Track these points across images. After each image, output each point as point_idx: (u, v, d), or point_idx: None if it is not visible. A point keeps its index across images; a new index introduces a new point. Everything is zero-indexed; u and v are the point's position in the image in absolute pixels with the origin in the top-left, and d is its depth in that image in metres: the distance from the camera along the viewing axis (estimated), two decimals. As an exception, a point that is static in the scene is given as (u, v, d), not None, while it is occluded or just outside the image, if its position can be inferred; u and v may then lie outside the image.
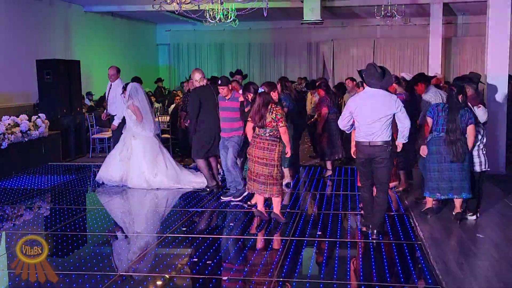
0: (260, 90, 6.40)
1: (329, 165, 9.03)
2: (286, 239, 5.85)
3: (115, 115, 9.37)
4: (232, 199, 7.35)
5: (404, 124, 5.69)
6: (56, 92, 11.06)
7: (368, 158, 5.72)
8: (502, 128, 8.89)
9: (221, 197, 7.51)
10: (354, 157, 5.99)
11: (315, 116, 9.49)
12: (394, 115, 5.64)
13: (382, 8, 13.61)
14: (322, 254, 5.43)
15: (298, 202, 7.45)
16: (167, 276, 4.95)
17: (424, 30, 17.35)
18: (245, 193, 7.32)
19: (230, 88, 7.34)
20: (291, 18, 17.54)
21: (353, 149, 5.98)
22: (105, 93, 10.05)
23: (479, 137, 6.34)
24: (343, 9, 16.61)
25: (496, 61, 8.77)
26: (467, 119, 6.06)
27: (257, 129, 6.27)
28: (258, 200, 6.47)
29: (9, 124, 9.42)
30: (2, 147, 9.14)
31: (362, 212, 6.35)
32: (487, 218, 6.46)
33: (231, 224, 6.50)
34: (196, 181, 8.33)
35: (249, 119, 6.38)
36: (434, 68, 15.56)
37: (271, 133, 6.18)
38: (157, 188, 8.14)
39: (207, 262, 5.22)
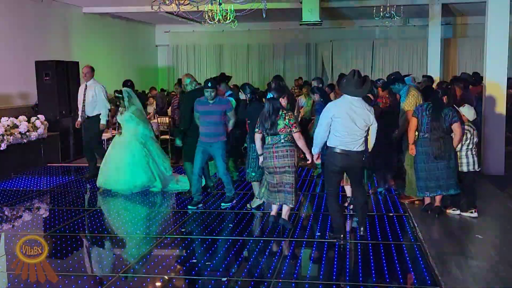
0: (270, 95, 6.15)
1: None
2: (285, 240, 5.85)
3: (97, 114, 9.09)
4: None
5: (374, 135, 5.69)
6: (55, 93, 11.06)
7: (344, 167, 5.65)
8: (501, 129, 8.88)
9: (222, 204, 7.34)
10: (316, 162, 5.96)
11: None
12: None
13: (381, 9, 13.61)
14: (321, 255, 5.43)
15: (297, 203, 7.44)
16: (166, 277, 4.96)
17: (423, 31, 17.36)
18: (234, 201, 7.30)
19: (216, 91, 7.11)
20: (290, 19, 17.53)
21: (316, 155, 5.86)
22: (78, 98, 9.33)
23: (469, 135, 6.43)
24: (342, 10, 16.61)
25: (495, 61, 8.77)
26: (451, 117, 6.19)
27: (268, 138, 5.97)
28: (273, 207, 6.22)
29: (8, 125, 9.42)
30: (1, 148, 9.14)
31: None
32: (487, 219, 6.46)
33: (230, 225, 6.50)
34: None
35: (257, 129, 6.07)
36: (433, 69, 15.58)
37: (286, 139, 5.92)
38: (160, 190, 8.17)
39: (206, 263, 5.23)
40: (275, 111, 5.90)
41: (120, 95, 8.25)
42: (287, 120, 5.88)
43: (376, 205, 7.23)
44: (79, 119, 9.32)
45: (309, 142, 6.07)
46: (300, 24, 14.60)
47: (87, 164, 9.52)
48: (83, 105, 9.13)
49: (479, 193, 7.08)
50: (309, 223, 6.46)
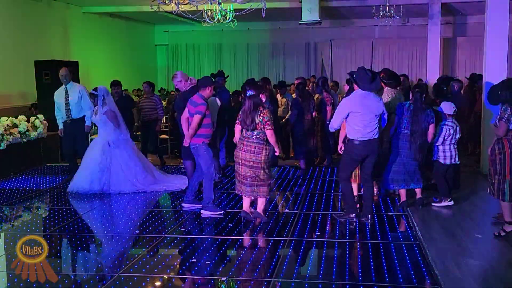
0: (250, 93, 6.30)
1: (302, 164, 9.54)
2: (284, 240, 5.86)
3: (82, 116, 8.93)
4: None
5: (383, 122, 6.38)
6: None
7: (365, 154, 6.23)
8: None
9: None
10: (341, 152, 6.58)
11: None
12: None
13: (381, 9, 13.62)
14: (321, 254, 5.43)
15: (296, 203, 7.45)
16: (165, 276, 4.96)
17: (423, 30, 17.35)
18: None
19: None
20: (290, 19, 17.53)
21: (340, 145, 6.60)
22: (57, 101, 9.02)
23: (451, 131, 6.82)
24: (342, 9, 16.61)
25: (495, 61, 8.77)
26: (430, 119, 6.59)
27: (244, 131, 6.29)
28: (244, 201, 6.52)
29: (7, 125, 9.42)
30: (0, 148, 9.14)
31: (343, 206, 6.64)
32: (486, 218, 6.47)
33: (229, 224, 6.50)
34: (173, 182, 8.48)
35: (238, 121, 6.36)
36: (433, 68, 15.59)
37: (258, 136, 6.21)
38: (146, 191, 8.15)
39: (206, 262, 5.23)
40: (255, 108, 6.20)
41: (95, 93, 8.06)
42: (261, 117, 6.16)
43: (376, 205, 7.23)
44: (61, 126, 9.09)
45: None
46: (300, 24, 14.59)
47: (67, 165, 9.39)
48: (67, 108, 8.90)
49: (480, 193, 7.17)
50: (309, 223, 6.46)
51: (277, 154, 6.61)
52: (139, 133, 10.82)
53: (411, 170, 6.72)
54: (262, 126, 6.16)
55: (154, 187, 8.24)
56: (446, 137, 6.82)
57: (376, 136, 6.20)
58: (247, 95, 6.29)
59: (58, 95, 9.01)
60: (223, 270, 5.06)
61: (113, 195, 7.97)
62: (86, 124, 8.94)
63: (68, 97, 8.90)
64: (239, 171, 6.36)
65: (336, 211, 6.93)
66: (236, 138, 6.46)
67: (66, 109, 8.92)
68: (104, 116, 8.00)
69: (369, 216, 6.42)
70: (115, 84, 9.92)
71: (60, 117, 9.04)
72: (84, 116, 8.95)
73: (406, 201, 6.88)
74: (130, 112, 10.13)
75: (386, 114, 6.33)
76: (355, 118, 6.11)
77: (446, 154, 6.90)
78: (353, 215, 6.44)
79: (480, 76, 10.04)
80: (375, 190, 7.44)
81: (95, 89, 8.10)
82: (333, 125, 6.36)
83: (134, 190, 8.06)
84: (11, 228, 6.66)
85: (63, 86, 8.96)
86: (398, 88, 7.64)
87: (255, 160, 6.22)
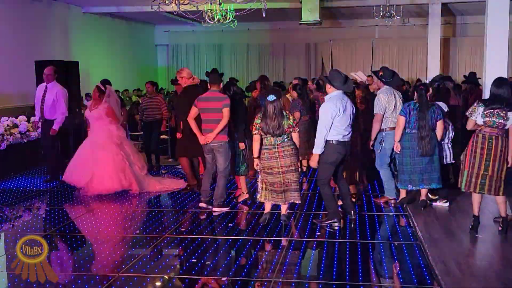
0: (271, 98, 6.02)
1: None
2: (285, 240, 5.86)
3: (55, 119, 8.75)
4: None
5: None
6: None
7: (343, 155, 6.27)
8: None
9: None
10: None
11: None
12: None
13: (381, 9, 13.62)
14: (321, 254, 5.43)
15: (296, 203, 7.45)
16: (166, 277, 4.96)
17: (423, 30, 17.36)
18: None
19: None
20: (290, 19, 17.52)
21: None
22: (36, 97, 8.95)
23: (445, 131, 6.82)
24: (342, 9, 16.61)
25: (495, 61, 8.76)
26: (436, 115, 6.56)
27: (271, 139, 6.03)
28: (268, 205, 6.38)
29: (8, 125, 9.42)
30: (1, 148, 9.14)
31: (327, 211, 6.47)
32: (486, 218, 6.46)
33: (230, 224, 6.50)
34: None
35: (256, 132, 6.08)
36: (433, 68, 15.57)
37: (289, 138, 6.09)
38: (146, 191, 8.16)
39: (206, 262, 5.23)
40: (280, 113, 6.01)
41: (103, 89, 8.15)
42: (291, 120, 6.07)
43: (376, 204, 7.24)
44: (39, 123, 8.98)
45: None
46: (300, 24, 14.59)
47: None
48: (41, 107, 8.76)
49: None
50: (309, 223, 6.46)
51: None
52: (141, 132, 10.74)
53: (428, 168, 6.61)
54: (292, 129, 6.06)
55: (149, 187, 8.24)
56: (444, 136, 6.85)
57: (350, 138, 6.33)
58: (269, 100, 6.02)
59: (39, 91, 8.94)
60: (223, 270, 5.06)
61: (113, 196, 7.96)
62: (53, 127, 8.67)
63: (45, 96, 8.77)
64: (281, 181, 6.09)
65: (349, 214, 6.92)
66: (256, 150, 6.16)
67: (40, 108, 8.79)
68: (100, 114, 8.01)
69: (352, 212, 6.52)
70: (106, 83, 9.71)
71: (37, 110, 8.92)
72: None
73: (425, 200, 6.83)
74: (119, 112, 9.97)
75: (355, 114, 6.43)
76: (338, 120, 6.10)
77: (443, 153, 6.92)
78: (335, 219, 6.29)
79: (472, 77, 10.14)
80: (364, 181, 7.73)
81: (104, 86, 8.24)
82: (322, 132, 6.10)
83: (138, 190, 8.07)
84: (11, 228, 6.66)
85: (45, 83, 8.86)
86: (397, 87, 7.61)
87: (296, 163, 6.12)
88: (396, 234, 6.03)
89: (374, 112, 7.04)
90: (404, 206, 6.86)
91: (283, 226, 6.28)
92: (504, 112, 5.53)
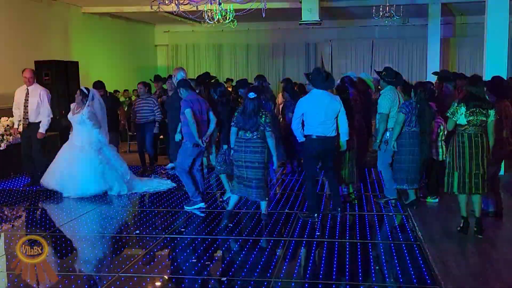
0: (252, 95, 6.19)
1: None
2: (285, 240, 5.86)
3: (39, 121, 8.52)
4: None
5: (344, 123, 6.47)
6: (54, 93, 11.04)
7: (321, 150, 6.41)
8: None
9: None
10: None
11: None
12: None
13: (381, 9, 13.61)
14: (321, 255, 5.43)
15: (296, 203, 7.45)
16: (166, 277, 4.96)
17: (423, 30, 17.34)
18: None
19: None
20: (290, 19, 17.50)
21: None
22: (16, 101, 8.70)
23: (442, 127, 6.96)
24: (342, 9, 16.60)
25: (495, 61, 8.77)
26: (434, 115, 6.77)
27: (241, 133, 6.25)
28: (263, 207, 6.47)
29: (7, 125, 9.41)
30: (1, 148, 9.13)
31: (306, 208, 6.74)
32: (486, 218, 6.46)
33: (229, 225, 6.49)
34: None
35: (233, 123, 6.29)
36: (432, 68, 15.56)
37: (259, 136, 6.21)
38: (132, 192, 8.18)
39: (206, 262, 5.23)
40: (258, 110, 6.17)
41: (86, 92, 8.02)
42: (263, 119, 6.16)
43: (376, 204, 7.24)
44: (16, 125, 8.76)
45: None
46: (300, 24, 14.59)
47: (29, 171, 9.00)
48: (25, 111, 8.55)
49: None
50: (309, 223, 6.46)
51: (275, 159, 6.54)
52: (135, 133, 10.59)
53: (414, 168, 6.77)
54: (263, 127, 6.17)
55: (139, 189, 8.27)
56: (439, 132, 6.98)
57: (333, 134, 6.41)
58: (249, 97, 6.19)
59: (19, 94, 8.66)
60: (223, 270, 5.06)
61: (113, 197, 7.97)
62: (39, 131, 8.47)
63: (27, 99, 8.57)
64: (244, 175, 6.25)
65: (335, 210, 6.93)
66: (233, 141, 6.36)
67: (24, 112, 8.57)
68: (83, 118, 7.89)
69: (339, 209, 6.63)
70: (99, 86, 9.48)
71: (18, 115, 8.69)
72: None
73: (416, 199, 6.92)
74: (116, 112, 9.85)
75: (345, 112, 6.46)
76: (310, 116, 6.33)
77: (439, 150, 7.02)
78: (315, 215, 6.53)
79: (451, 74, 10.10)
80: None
81: (88, 89, 8.12)
82: (293, 126, 6.51)
83: (127, 191, 8.09)
84: (11, 228, 6.66)
85: (25, 86, 8.65)
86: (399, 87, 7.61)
87: (260, 160, 6.21)
88: (396, 234, 6.03)
89: (380, 111, 7.02)
90: (408, 206, 6.85)
91: (264, 225, 6.33)
92: (485, 110, 5.58)
